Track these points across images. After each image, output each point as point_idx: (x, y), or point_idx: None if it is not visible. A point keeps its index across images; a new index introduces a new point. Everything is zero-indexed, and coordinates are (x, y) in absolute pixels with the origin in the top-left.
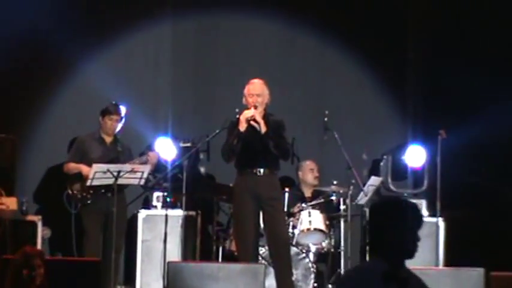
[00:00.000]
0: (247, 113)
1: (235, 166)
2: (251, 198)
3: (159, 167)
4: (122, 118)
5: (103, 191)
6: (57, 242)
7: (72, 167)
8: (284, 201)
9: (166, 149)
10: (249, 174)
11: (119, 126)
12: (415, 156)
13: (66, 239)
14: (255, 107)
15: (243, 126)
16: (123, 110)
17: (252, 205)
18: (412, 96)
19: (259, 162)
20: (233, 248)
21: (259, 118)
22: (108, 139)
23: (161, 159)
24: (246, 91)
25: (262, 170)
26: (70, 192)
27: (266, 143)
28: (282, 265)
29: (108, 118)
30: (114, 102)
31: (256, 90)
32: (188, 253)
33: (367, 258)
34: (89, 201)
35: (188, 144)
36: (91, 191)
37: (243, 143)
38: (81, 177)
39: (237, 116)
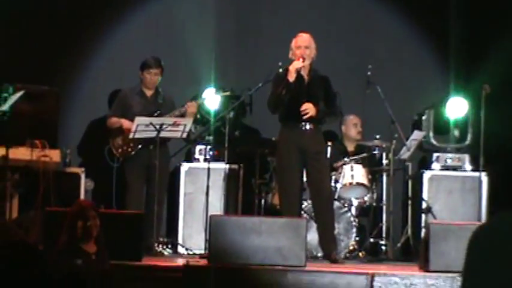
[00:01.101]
0: (297, 64)
1: (280, 119)
2: (296, 151)
3: (202, 119)
4: (162, 71)
5: (140, 145)
6: (100, 195)
7: (114, 121)
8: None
9: (211, 99)
10: (294, 128)
11: (159, 79)
12: (457, 107)
13: (109, 191)
14: (304, 59)
15: (292, 77)
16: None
17: (297, 159)
18: (454, 49)
19: (304, 115)
20: (275, 201)
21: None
22: (149, 92)
23: (204, 109)
24: (293, 44)
25: (308, 124)
26: (112, 146)
27: (314, 98)
28: (326, 219)
29: (147, 72)
30: (153, 56)
31: (305, 42)
32: (230, 206)
33: (409, 212)
34: (132, 153)
35: (228, 93)
36: (132, 145)
37: (290, 95)
38: (122, 132)
39: (280, 70)
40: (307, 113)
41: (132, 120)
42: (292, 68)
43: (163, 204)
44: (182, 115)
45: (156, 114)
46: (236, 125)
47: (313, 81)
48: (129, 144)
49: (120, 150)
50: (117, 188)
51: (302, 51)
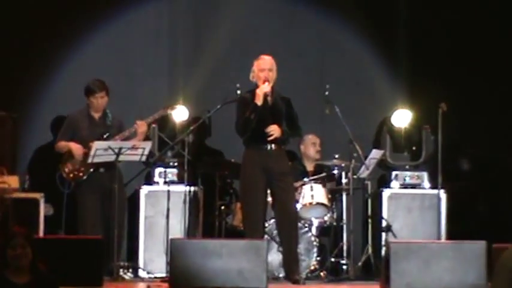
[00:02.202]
0: (265, 88)
1: (244, 141)
2: (261, 172)
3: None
4: (107, 93)
5: (92, 170)
6: (60, 220)
7: (62, 145)
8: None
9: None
10: (259, 149)
11: (106, 101)
12: (402, 118)
13: (68, 216)
14: (269, 82)
15: (260, 100)
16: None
17: (262, 180)
18: (407, 67)
19: (269, 137)
20: (236, 223)
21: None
22: (97, 115)
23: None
24: (256, 66)
25: (272, 145)
26: (62, 171)
27: (278, 120)
28: (290, 240)
29: (93, 97)
30: (96, 79)
31: (268, 65)
32: (191, 229)
33: (369, 231)
34: (84, 177)
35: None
36: (82, 169)
37: (256, 118)
38: (72, 156)
39: (238, 92)
40: (271, 135)
41: (80, 143)
42: (260, 91)
43: (123, 228)
44: (132, 135)
45: (104, 136)
46: (197, 147)
47: (276, 102)
48: (80, 169)
49: (71, 175)
50: (68, 214)
51: (266, 74)
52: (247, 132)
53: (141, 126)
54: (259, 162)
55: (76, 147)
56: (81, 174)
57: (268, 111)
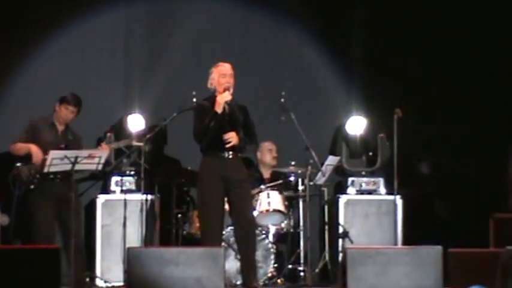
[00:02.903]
0: (226, 96)
1: (201, 149)
2: (219, 180)
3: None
4: (79, 111)
5: (51, 176)
6: (16, 230)
7: (22, 146)
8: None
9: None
10: (216, 157)
11: (73, 118)
12: (357, 126)
13: (27, 226)
14: (228, 90)
15: (220, 108)
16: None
17: (219, 187)
18: (360, 74)
19: (227, 144)
20: (193, 231)
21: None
22: (60, 127)
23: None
24: (216, 73)
25: (230, 153)
26: (16, 173)
27: (236, 127)
28: (248, 248)
29: (65, 107)
30: (74, 94)
31: (229, 71)
32: (148, 237)
33: (326, 237)
34: (32, 186)
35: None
36: (38, 176)
37: (215, 125)
38: (30, 159)
39: (194, 100)
40: (229, 142)
41: (40, 148)
42: (221, 100)
43: (82, 237)
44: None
45: (63, 147)
46: (154, 155)
47: (233, 110)
48: (35, 175)
49: (25, 179)
50: (17, 219)
51: (228, 80)
52: (206, 140)
53: (104, 151)
54: (216, 170)
55: (36, 151)
56: (35, 180)
57: (226, 119)
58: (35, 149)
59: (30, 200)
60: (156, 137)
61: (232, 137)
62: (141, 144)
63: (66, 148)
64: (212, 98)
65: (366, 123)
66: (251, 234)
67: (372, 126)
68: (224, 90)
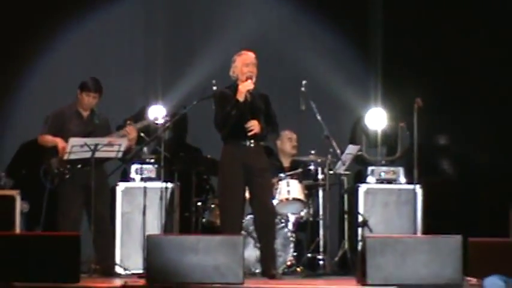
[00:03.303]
0: (248, 85)
1: (223, 137)
2: (240, 169)
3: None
4: (100, 95)
5: (79, 166)
6: (36, 217)
7: (48, 139)
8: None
9: (158, 116)
10: (238, 145)
11: (96, 102)
12: (376, 118)
13: (46, 214)
14: (251, 79)
15: (242, 97)
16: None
17: (241, 176)
18: (383, 62)
19: (249, 132)
20: (212, 218)
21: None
22: (85, 113)
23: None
24: (239, 62)
25: (251, 141)
26: (47, 166)
27: (257, 116)
28: (268, 237)
29: (86, 94)
30: (94, 78)
31: (253, 60)
32: (167, 225)
33: (346, 226)
34: (67, 176)
35: (165, 125)
36: (68, 166)
37: (237, 113)
38: (57, 152)
39: (214, 88)
40: (251, 130)
41: (66, 139)
42: (243, 88)
43: (109, 224)
44: (121, 137)
45: (92, 135)
46: (174, 143)
47: (255, 99)
48: (66, 166)
49: (56, 171)
50: (49, 210)
51: (251, 69)
52: (227, 128)
53: (132, 132)
54: (238, 158)
55: (62, 145)
56: (66, 171)
57: (248, 108)
58: (60, 143)
59: (60, 188)
60: (177, 125)
61: (254, 126)
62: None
63: (92, 134)
64: (234, 86)
65: (386, 115)
66: (271, 223)
67: (391, 115)
68: (246, 79)
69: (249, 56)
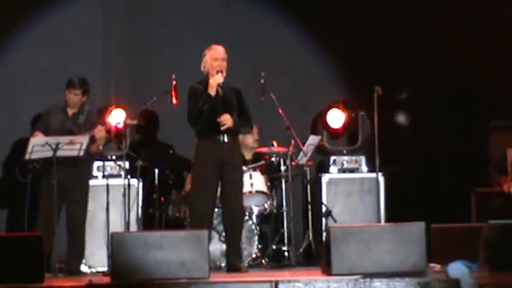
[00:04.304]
0: (218, 79)
1: (196, 133)
2: (214, 164)
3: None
4: (85, 92)
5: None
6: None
7: (31, 136)
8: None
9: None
10: (212, 140)
11: (81, 99)
12: (335, 118)
13: (17, 214)
14: (221, 72)
15: (213, 91)
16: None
17: (214, 171)
18: (343, 53)
19: (222, 127)
20: (176, 214)
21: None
22: (71, 111)
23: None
24: (209, 56)
25: (225, 136)
26: (23, 162)
27: (230, 110)
28: (235, 232)
29: (69, 91)
30: (79, 76)
31: (222, 54)
32: (131, 222)
33: (310, 216)
34: (37, 170)
35: (135, 122)
36: (41, 162)
37: (208, 108)
38: None
39: (174, 83)
40: (224, 125)
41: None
42: (214, 82)
43: (81, 223)
44: (91, 137)
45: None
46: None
47: (227, 93)
48: (40, 163)
49: (30, 166)
50: (29, 207)
51: (220, 63)
52: (200, 123)
53: (99, 132)
54: (211, 153)
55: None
56: (38, 167)
57: (220, 102)
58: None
59: (37, 188)
60: (146, 123)
61: (226, 120)
62: (134, 122)
63: (71, 132)
64: (205, 81)
65: (345, 112)
66: (238, 221)
67: (352, 104)
68: (217, 73)
69: (218, 51)
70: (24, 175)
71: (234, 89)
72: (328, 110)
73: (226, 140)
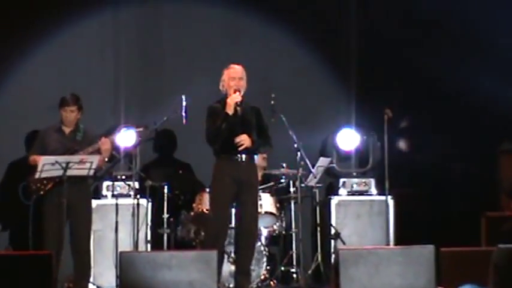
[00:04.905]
0: (236, 97)
1: (215, 152)
2: (231, 183)
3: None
4: (79, 107)
5: (57, 181)
6: (10, 236)
7: (31, 159)
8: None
9: (124, 136)
10: (230, 160)
11: (77, 116)
12: (348, 139)
13: (23, 232)
14: (239, 91)
15: (231, 110)
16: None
17: (231, 191)
18: (355, 76)
19: (240, 147)
20: (184, 234)
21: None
22: (68, 129)
23: (117, 145)
24: (226, 75)
25: (243, 156)
26: (28, 183)
27: (249, 130)
28: (247, 254)
29: (63, 110)
30: (72, 93)
31: (239, 74)
32: (140, 241)
33: (319, 238)
34: (41, 192)
35: (141, 129)
36: (45, 182)
37: (227, 127)
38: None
39: (184, 104)
40: (242, 144)
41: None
42: (231, 101)
43: (88, 243)
44: (96, 151)
45: (70, 151)
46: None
47: (246, 112)
48: (43, 182)
49: (34, 187)
50: (34, 228)
51: (237, 83)
52: (218, 142)
53: (105, 144)
54: (229, 173)
55: (39, 161)
56: (43, 187)
57: (239, 121)
58: (38, 159)
59: (41, 208)
60: (160, 142)
61: (243, 140)
62: (138, 129)
63: (71, 150)
64: (224, 100)
65: (357, 133)
66: (251, 243)
67: (363, 126)
68: (234, 92)
69: (236, 70)
70: (28, 197)
71: (253, 108)
72: (340, 130)
73: (244, 159)
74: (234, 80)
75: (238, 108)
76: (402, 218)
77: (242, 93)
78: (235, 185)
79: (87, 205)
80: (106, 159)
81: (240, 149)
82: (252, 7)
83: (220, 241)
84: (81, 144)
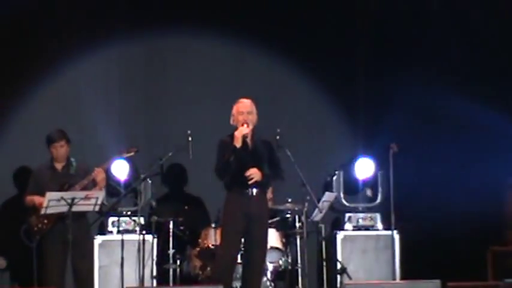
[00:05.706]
0: (243, 130)
1: (225, 186)
2: (242, 217)
3: (112, 190)
4: (67, 142)
5: (57, 217)
6: (15, 273)
7: (28, 199)
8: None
9: (121, 170)
10: (240, 194)
11: (67, 150)
12: (364, 168)
13: (26, 269)
14: (247, 125)
15: (238, 143)
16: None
17: (242, 225)
18: (360, 110)
19: (250, 180)
20: (190, 269)
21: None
22: (60, 165)
23: (114, 178)
24: (235, 110)
25: (254, 189)
26: (29, 225)
27: (260, 163)
28: (254, 286)
29: (53, 147)
30: (57, 129)
31: (247, 108)
32: (145, 277)
33: (324, 273)
34: (46, 230)
35: (131, 154)
36: (46, 221)
37: (236, 160)
38: (37, 209)
39: (189, 139)
40: (252, 178)
41: (43, 196)
42: (239, 134)
43: (90, 279)
44: (91, 182)
45: (65, 186)
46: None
47: (256, 145)
48: (44, 221)
49: (35, 228)
50: (38, 267)
51: (245, 117)
52: (227, 176)
53: (99, 174)
54: (239, 207)
55: (40, 201)
56: (44, 226)
57: (249, 155)
58: (37, 200)
59: (43, 244)
60: (169, 176)
61: (254, 174)
62: (128, 154)
63: (66, 185)
64: (233, 134)
65: (371, 165)
66: (258, 279)
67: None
68: (242, 125)
69: (243, 104)
70: (30, 239)
71: (265, 141)
72: (356, 160)
73: (254, 193)
74: (242, 114)
75: (247, 141)
76: (408, 253)
77: (251, 126)
78: (246, 219)
79: (88, 241)
80: (102, 190)
81: (250, 182)
82: (256, 41)
83: (228, 276)
84: (75, 178)
